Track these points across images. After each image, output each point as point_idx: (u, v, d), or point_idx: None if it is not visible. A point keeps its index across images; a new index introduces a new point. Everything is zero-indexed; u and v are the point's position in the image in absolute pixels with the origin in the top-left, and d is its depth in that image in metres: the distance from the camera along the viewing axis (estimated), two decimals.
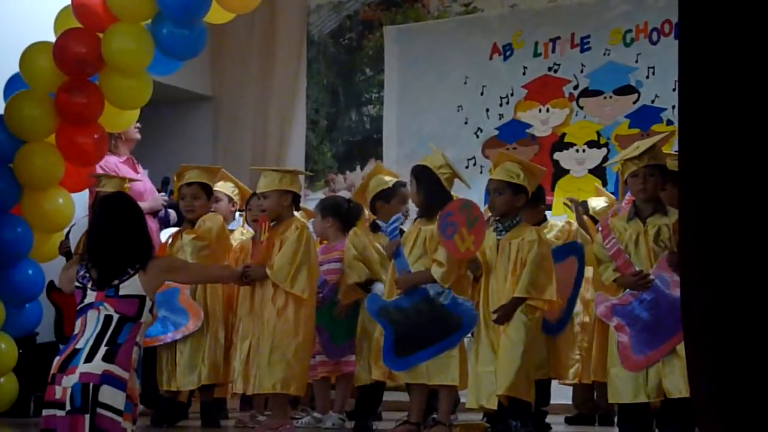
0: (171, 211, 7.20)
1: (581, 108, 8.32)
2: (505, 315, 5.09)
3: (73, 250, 5.07)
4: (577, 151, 8.29)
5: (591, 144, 8.25)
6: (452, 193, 5.43)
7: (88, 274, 4.15)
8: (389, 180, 6.04)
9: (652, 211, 5.03)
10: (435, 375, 5.20)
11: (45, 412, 4.01)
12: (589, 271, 5.78)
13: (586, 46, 8.31)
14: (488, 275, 5.24)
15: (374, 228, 5.99)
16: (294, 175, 5.93)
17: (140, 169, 7.28)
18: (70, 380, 3.93)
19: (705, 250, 3.37)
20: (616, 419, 5.52)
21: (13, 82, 6.54)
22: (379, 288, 5.66)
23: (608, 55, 8.24)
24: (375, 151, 9.00)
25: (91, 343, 4.01)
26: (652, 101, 8.05)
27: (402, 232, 5.52)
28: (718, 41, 3.33)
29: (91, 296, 4.11)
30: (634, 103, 8.14)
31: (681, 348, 4.62)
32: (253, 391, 5.62)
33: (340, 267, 5.99)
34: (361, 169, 8.99)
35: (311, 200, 8.07)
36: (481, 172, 8.24)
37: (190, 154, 8.57)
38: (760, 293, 3.23)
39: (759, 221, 3.24)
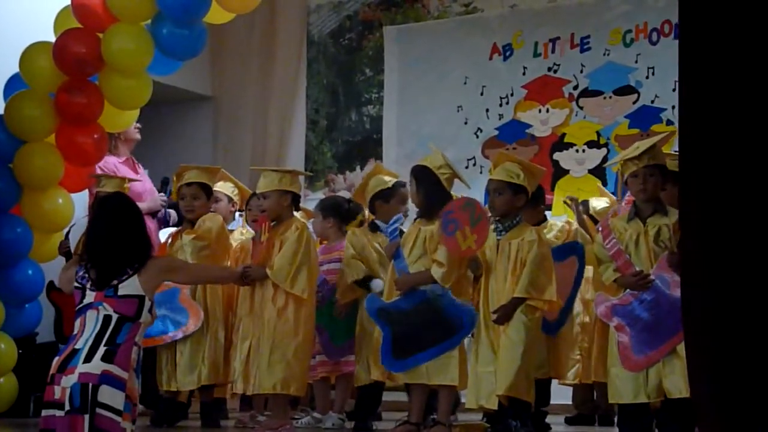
0: (171, 211, 7.19)
1: (581, 108, 8.31)
2: (505, 315, 5.09)
3: (72, 251, 5.04)
4: (577, 151, 8.29)
5: (591, 144, 8.25)
6: (452, 193, 5.43)
7: (87, 275, 4.14)
8: (389, 180, 6.04)
9: (652, 212, 5.03)
10: (435, 375, 5.20)
11: (44, 413, 4.00)
12: (589, 271, 5.77)
13: (585, 47, 8.31)
14: (488, 275, 5.23)
15: (373, 228, 5.99)
16: (294, 175, 5.92)
17: (140, 169, 7.26)
18: (69, 380, 3.93)
19: (705, 250, 3.37)
20: (616, 419, 5.52)
21: (13, 82, 6.54)
22: (377, 284, 5.65)
23: (608, 55, 8.24)
24: (375, 151, 9.00)
25: (90, 343, 4.00)
26: (652, 101, 8.05)
27: (401, 232, 5.51)
28: (718, 41, 3.33)
29: (90, 296, 4.11)
30: (634, 103, 8.14)
31: (681, 348, 4.62)
32: (253, 391, 5.61)
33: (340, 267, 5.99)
34: (361, 169, 8.99)
35: (311, 200, 8.06)
36: (481, 173, 8.24)
37: (190, 154, 8.57)
38: (760, 293, 3.23)
39: (759, 221, 3.24)
